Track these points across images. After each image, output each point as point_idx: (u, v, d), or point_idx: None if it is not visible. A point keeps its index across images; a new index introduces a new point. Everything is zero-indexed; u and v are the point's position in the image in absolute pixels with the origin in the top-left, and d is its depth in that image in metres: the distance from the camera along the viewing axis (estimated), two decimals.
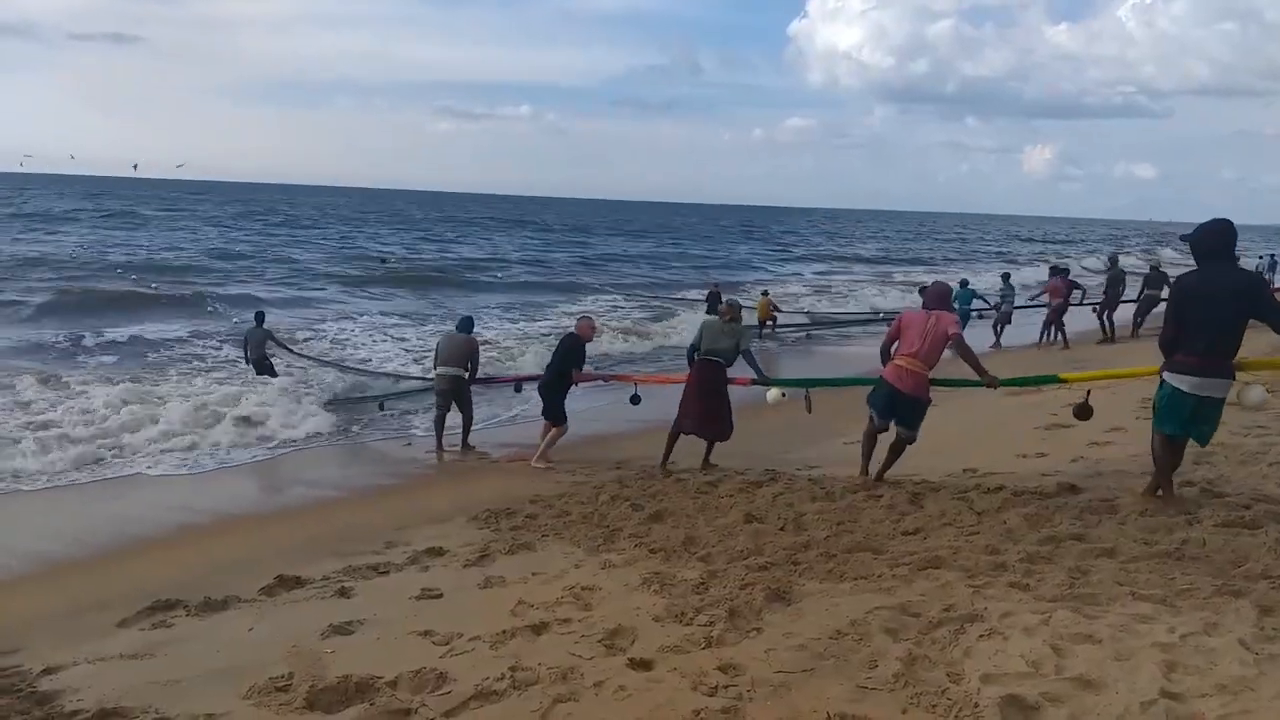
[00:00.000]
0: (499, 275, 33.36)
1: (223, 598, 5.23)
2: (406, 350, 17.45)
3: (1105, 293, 18.62)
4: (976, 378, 7.01)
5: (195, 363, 15.05)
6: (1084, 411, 7.09)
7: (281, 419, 10.92)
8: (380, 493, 8.56)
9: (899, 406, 6.96)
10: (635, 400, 10.02)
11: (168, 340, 17.15)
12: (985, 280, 29.02)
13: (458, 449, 10.15)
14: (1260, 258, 36.24)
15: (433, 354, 10.78)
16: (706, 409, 8.47)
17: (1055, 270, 20.34)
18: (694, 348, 8.71)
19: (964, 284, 20.72)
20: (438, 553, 6.06)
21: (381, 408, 11.95)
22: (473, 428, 10.44)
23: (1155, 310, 18.58)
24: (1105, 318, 18.30)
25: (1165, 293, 18.75)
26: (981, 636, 3.73)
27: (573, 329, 9.88)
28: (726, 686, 3.46)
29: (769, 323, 22.14)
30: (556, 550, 5.94)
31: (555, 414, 9.47)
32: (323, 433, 10.81)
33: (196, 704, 3.74)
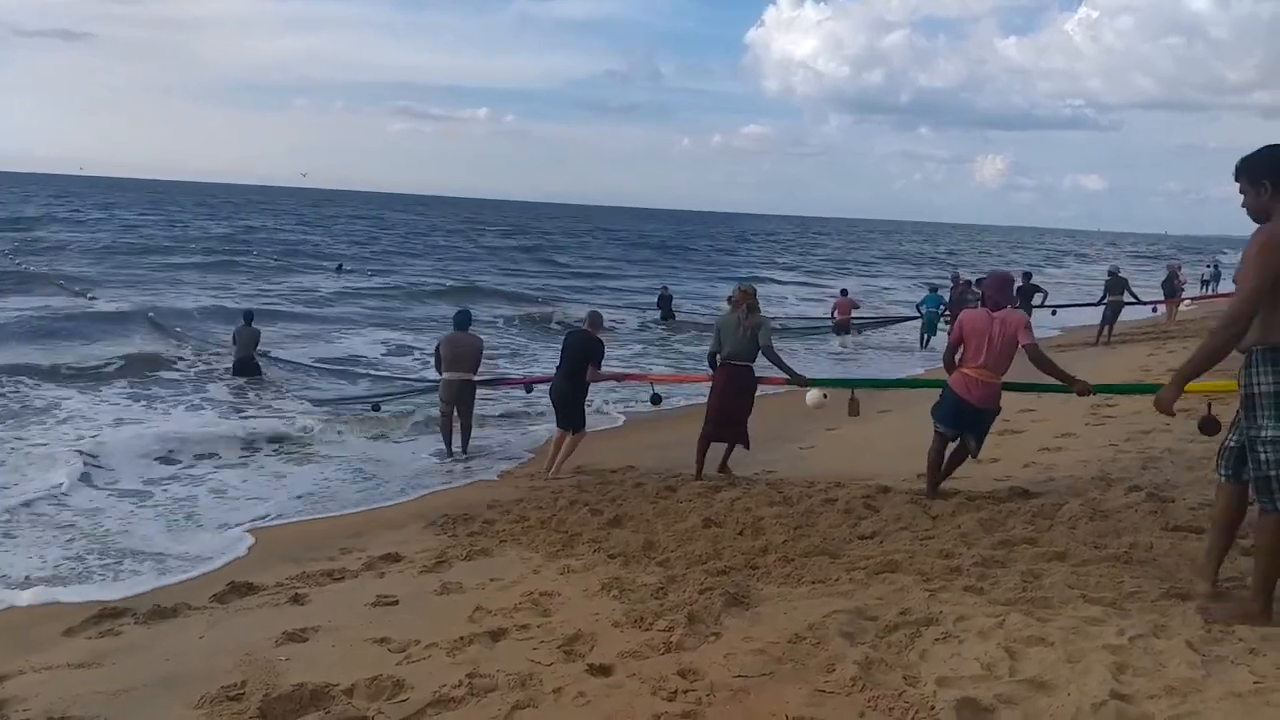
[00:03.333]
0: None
1: (173, 605, 5.13)
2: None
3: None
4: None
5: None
6: (1209, 425, 5.84)
7: None
8: (335, 497, 8.45)
9: (966, 417, 6.42)
10: (656, 400, 9.39)
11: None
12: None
13: (460, 454, 9.97)
14: (1207, 266, 37.26)
15: (433, 355, 10.35)
16: (731, 412, 7.83)
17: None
18: (714, 352, 7.98)
19: (934, 289, 20.98)
20: (394, 559, 5.99)
21: (376, 409, 11.50)
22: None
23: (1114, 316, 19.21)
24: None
25: (1128, 297, 19.29)
26: (937, 640, 3.77)
27: (581, 325, 9.29)
28: (686, 691, 3.47)
29: None
30: (514, 556, 5.91)
31: (576, 420, 8.94)
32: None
33: (146, 714, 3.67)
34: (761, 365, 7.95)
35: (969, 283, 19.68)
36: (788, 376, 7.93)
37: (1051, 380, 6.39)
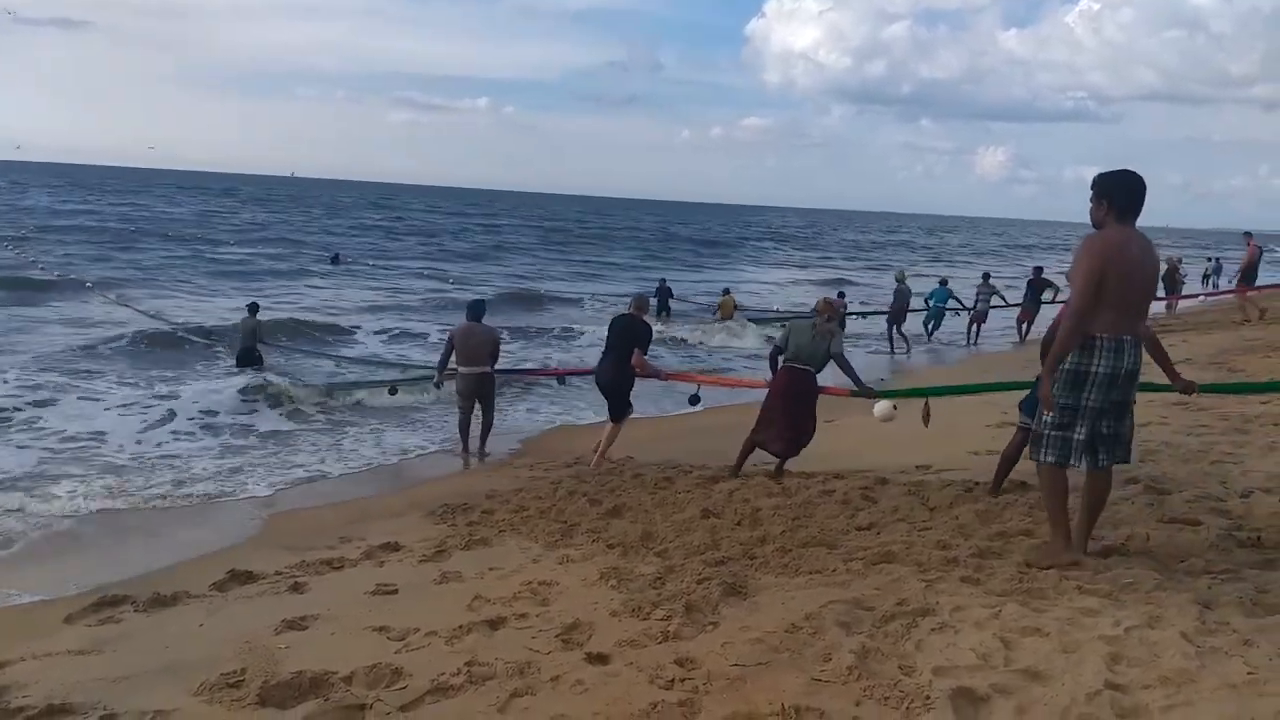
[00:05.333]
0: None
1: (172, 593, 5.14)
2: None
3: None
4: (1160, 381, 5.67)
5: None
6: None
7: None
8: (333, 487, 8.47)
9: None
10: (694, 401, 9.24)
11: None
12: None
13: (479, 451, 9.68)
14: (1208, 260, 37.18)
15: (444, 348, 9.97)
16: (792, 422, 7.49)
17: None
18: (778, 350, 7.66)
19: (943, 283, 20.94)
20: (393, 548, 6.02)
21: (393, 393, 11.17)
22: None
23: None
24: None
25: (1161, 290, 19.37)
26: (933, 630, 3.79)
27: (627, 310, 8.99)
28: (683, 680, 3.49)
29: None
30: (513, 545, 5.93)
31: (620, 407, 8.73)
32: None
33: (146, 700, 3.69)
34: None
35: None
36: (855, 388, 7.70)
37: (1228, 372, 6.10)
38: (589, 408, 11.44)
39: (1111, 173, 4.50)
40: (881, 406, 7.46)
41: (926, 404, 7.47)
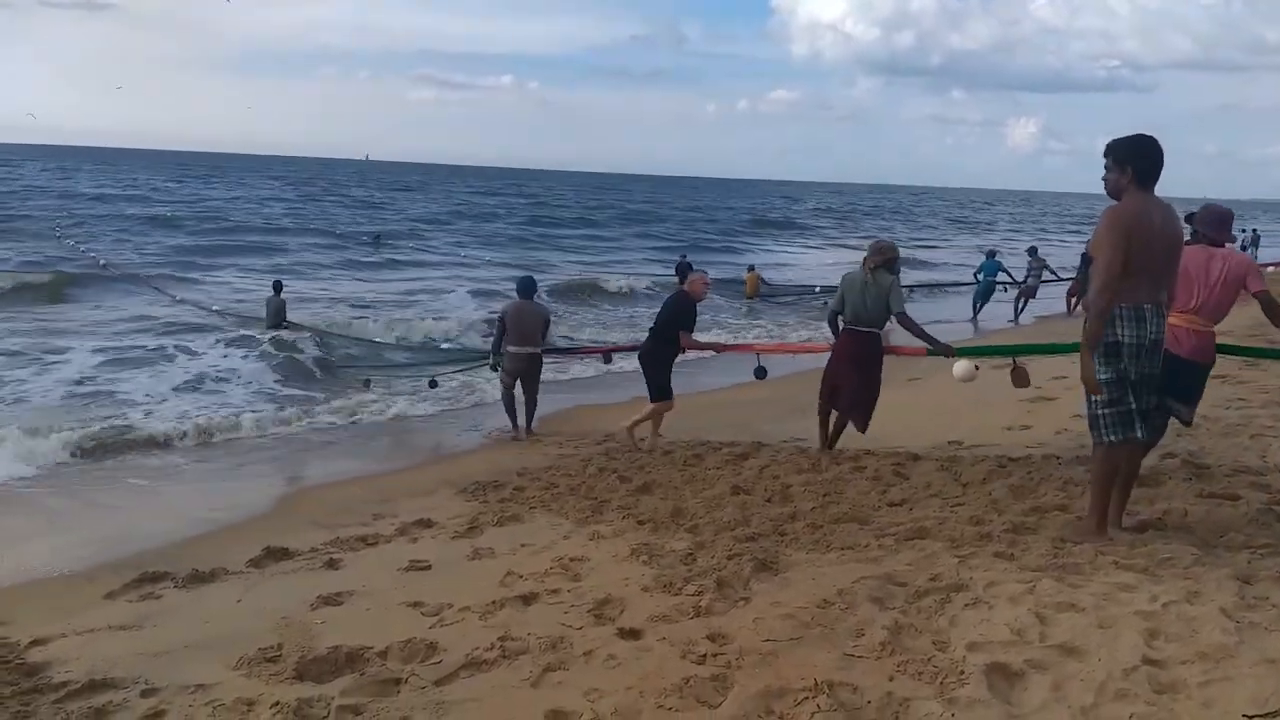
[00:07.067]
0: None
1: (210, 569, 5.21)
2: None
3: None
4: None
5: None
6: None
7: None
8: (367, 465, 8.54)
9: (1174, 375, 4.85)
10: (761, 373, 8.47)
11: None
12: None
13: (524, 431, 9.36)
14: (1242, 231, 36.52)
15: (497, 328, 9.61)
16: (854, 388, 7.04)
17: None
18: (835, 313, 7.14)
19: (991, 255, 20.52)
20: (426, 524, 6.06)
21: (433, 385, 10.79)
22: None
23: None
24: None
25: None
26: (967, 605, 3.77)
27: (683, 286, 8.50)
28: (715, 655, 3.49)
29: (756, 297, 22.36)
30: (545, 522, 5.96)
31: (656, 387, 8.36)
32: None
33: (186, 675, 3.75)
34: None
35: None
36: (929, 346, 7.16)
37: (1268, 344, 5.61)
38: (617, 387, 11.43)
39: (1128, 138, 4.42)
40: (962, 366, 6.95)
41: (1016, 364, 6.87)
